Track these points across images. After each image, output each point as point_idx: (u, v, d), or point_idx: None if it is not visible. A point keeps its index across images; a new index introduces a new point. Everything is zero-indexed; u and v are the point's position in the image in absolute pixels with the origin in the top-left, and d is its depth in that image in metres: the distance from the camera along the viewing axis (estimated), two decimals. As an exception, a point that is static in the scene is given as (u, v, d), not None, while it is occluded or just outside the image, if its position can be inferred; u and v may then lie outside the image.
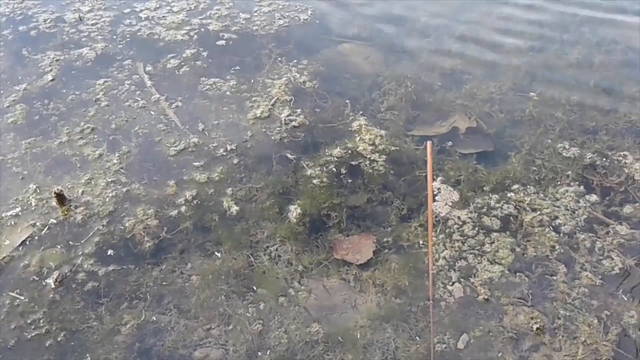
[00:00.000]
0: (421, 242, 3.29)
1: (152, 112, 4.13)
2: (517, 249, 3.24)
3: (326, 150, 3.82)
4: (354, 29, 5.03)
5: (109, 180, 3.63)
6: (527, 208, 3.43)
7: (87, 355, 2.83)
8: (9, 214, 3.43)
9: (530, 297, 3.03)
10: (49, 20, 5.01)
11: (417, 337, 2.89)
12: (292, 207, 3.48)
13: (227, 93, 4.29)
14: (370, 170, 3.68)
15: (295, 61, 4.60)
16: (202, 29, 4.94)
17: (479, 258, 3.20)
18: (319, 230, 3.38)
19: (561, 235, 3.29)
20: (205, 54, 4.66)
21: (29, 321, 2.95)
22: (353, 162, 3.74)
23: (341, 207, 3.48)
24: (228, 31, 4.91)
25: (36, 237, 3.33)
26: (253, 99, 4.23)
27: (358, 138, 3.90)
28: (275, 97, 4.23)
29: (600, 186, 3.56)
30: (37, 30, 4.92)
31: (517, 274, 3.13)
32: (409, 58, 4.68)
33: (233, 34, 4.88)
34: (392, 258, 3.24)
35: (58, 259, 3.22)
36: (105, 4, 5.25)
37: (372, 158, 3.75)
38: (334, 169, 3.70)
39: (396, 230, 3.36)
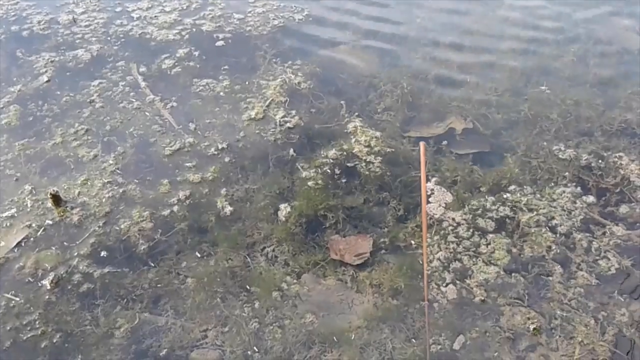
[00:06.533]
0: (414, 242, 3.29)
1: (147, 113, 4.11)
2: (514, 250, 3.24)
3: (322, 152, 3.81)
4: (350, 29, 5.03)
5: (105, 181, 3.61)
6: (524, 208, 3.44)
7: (83, 356, 2.82)
8: (4, 215, 3.41)
9: (527, 298, 3.03)
10: (43, 22, 4.99)
11: (413, 339, 2.88)
12: (288, 208, 3.47)
13: (222, 94, 4.27)
14: (367, 172, 3.67)
15: (290, 62, 4.59)
16: (194, 29, 4.93)
17: (474, 259, 3.20)
18: (316, 231, 3.38)
19: (558, 235, 3.30)
20: (197, 54, 4.65)
21: (24, 322, 2.93)
22: (349, 164, 3.73)
23: (337, 208, 3.48)
24: (222, 32, 4.90)
25: (32, 239, 3.31)
26: (248, 100, 4.22)
27: (354, 139, 3.89)
28: (270, 98, 4.22)
29: (596, 187, 3.57)
30: (31, 31, 4.90)
31: (514, 274, 3.13)
32: (406, 59, 4.68)
33: (227, 34, 4.87)
34: (388, 259, 3.24)
35: (54, 261, 3.20)
36: (99, 5, 5.23)
37: (368, 159, 3.74)
38: (330, 170, 3.69)
39: (393, 231, 3.36)
